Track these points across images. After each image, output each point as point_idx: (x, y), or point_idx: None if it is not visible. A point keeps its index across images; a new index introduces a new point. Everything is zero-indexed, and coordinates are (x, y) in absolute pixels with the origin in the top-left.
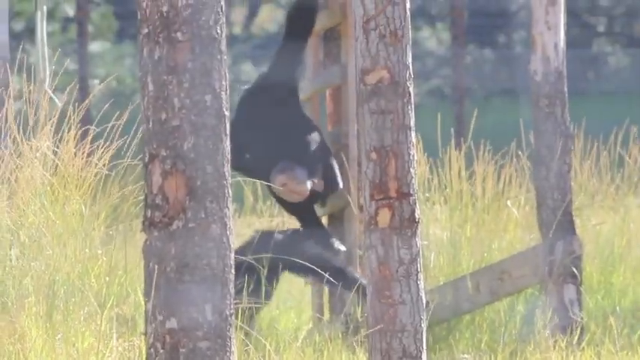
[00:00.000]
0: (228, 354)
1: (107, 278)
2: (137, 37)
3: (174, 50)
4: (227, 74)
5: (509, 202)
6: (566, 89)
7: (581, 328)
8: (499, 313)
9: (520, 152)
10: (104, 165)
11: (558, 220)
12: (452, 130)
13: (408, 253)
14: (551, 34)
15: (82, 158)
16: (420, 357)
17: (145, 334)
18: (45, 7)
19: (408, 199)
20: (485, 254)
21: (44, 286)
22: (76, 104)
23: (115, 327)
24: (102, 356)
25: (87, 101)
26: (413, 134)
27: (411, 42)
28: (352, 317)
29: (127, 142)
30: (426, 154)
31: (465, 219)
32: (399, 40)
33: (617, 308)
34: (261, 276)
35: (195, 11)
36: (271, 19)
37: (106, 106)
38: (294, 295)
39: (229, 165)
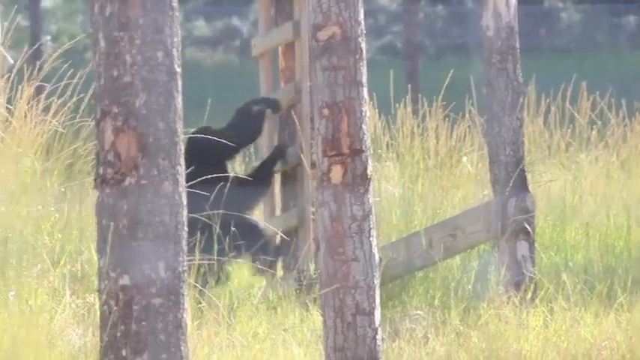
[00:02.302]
0: (181, 311)
1: (60, 235)
2: None
3: (125, 6)
4: (179, 31)
5: (465, 159)
6: (518, 45)
7: (534, 285)
8: (452, 270)
9: (472, 108)
10: (58, 122)
11: (511, 177)
12: (404, 86)
13: (360, 209)
14: None
15: (36, 115)
16: (373, 313)
17: (99, 291)
18: None
19: (360, 156)
20: (438, 210)
21: None
22: (32, 61)
23: (68, 284)
24: (55, 313)
25: (45, 64)
26: (365, 90)
27: None
28: (305, 274)
29: (81, 99)
30: (378, 110)
31: (417, 175)
32: None
33: (570, 264)
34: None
35: None
36: None
37: (66, 65)
38: None
39: (181, 121)
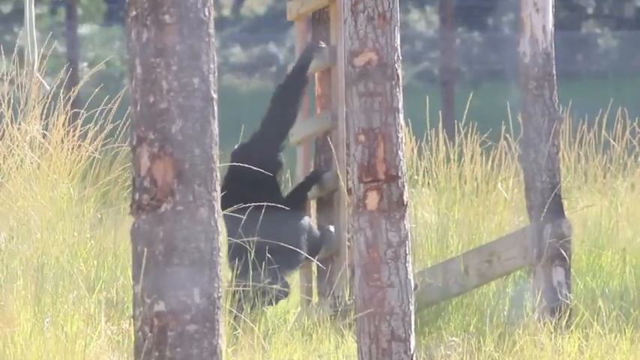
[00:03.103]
0: (216, 337)
1: (96, 262)
2: (125, 20)
3: (162, 33)
4: (215, 57)
5: (500, 185)
6: (554, 71)
7: (570, 311)
8: (488, 296)
9: (508, 135)
10: (95, 148)
11: (547, 203)
12: (440, 112)
13: (396, 235)
14: (539, 16)
15: (72, 142)
16: (409, 340)
17: (134, 317)
18: None
19: (396, 182)
20: (474, 236)
21: (33, 269)
22: (68, 88)
23: (103, 310)
24: (90, 340)
25: (77, 87)
26: (401, 117)
27: (399, 24)
28: (341, 300)
29: (117, 125)
30: (414, 136)
31: (453, 201)
32: (388, 23)
33: (606, 290)
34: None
35: None
36: (260, 1)
37: (96, 90)
38: None
39: (217, 147)
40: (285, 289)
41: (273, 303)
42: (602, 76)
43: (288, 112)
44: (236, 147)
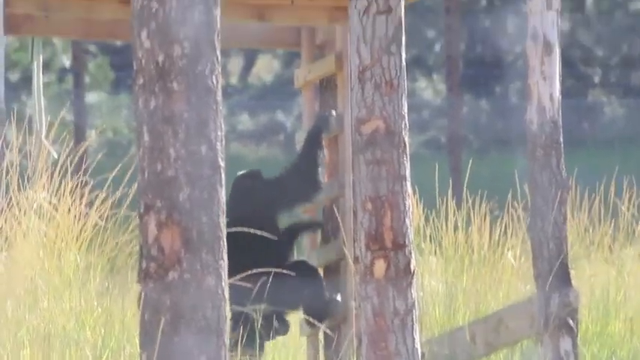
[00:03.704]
0: None
1: (103, 330)
2: (133, 88)
3: (169, 100)
4: (223, 125)
5: (509, 254)
6: (562, 139)
7: None
8: None
9: (516, 203)
10: (101, 217)
11: (554, 272)
12: (448, 180)
13: (403, 304)
14: (546, 84)
15: (79, 209)
16: None
17: None
18: (41, 58)
19: (403, 250)
20: (481, 305)
21: (40, 338)
22: (76, 156)
23: None
24: None
25: (80, 151)
26: (408, 184)
27: (406, 92)
28: None
29: (124, 192)
30: (422, 204)
31: (460, 270)
32: (395, 90)
33: None
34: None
35: (191, 61)
36: (268, 69)
37: (100, 155)
38: (288, 346)
39: (224, 215)
40: (284, 327)
41: (272, 337)
42: (608, 144)
43: (306, 180)
44: (243, 172)
